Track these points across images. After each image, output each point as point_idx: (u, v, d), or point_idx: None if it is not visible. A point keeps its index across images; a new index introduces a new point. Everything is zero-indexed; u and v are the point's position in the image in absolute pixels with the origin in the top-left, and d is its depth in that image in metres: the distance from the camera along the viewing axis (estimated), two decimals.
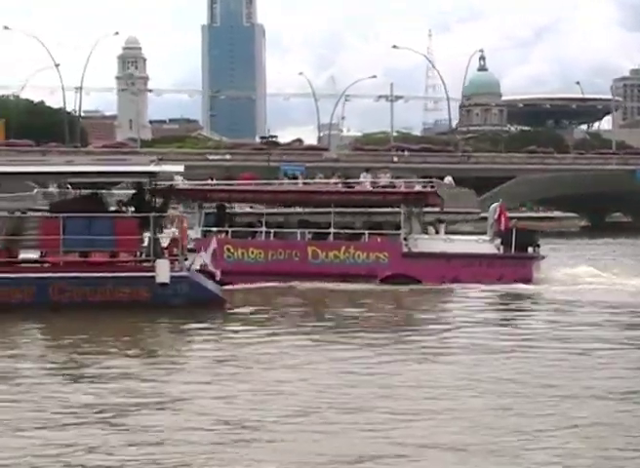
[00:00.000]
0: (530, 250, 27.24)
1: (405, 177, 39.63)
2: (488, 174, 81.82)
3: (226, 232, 27.54)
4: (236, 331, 18.13)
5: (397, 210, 27.84)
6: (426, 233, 28.17)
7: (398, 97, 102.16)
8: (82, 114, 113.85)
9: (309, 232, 27.63)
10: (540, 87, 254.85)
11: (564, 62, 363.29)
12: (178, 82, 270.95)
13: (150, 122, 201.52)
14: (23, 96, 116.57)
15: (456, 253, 26.68)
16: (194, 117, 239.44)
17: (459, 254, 26.65)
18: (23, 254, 21.78)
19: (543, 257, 27.97)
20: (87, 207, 21.45)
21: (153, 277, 20.46)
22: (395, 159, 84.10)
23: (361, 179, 34.98)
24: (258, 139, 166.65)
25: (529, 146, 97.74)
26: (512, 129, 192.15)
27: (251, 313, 21.18)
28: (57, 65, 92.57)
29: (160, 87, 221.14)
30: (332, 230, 27.52)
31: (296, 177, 45.70)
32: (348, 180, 37.36)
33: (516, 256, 26.81)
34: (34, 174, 21.57)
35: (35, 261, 21.16)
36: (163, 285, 20.46)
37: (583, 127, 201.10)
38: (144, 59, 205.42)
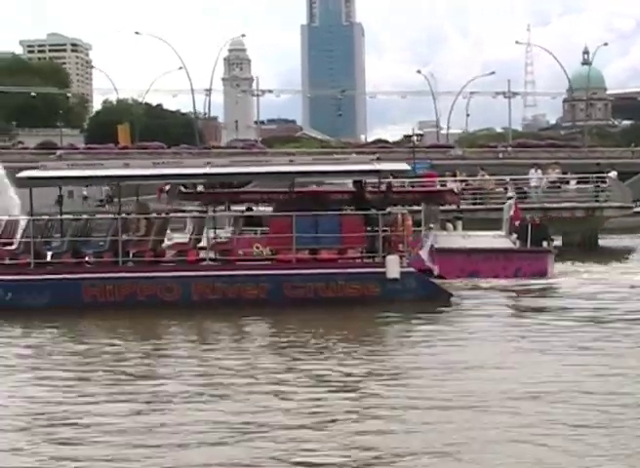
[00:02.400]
0: (544, 244, 27.78)
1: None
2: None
3: None
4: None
5: (418, 208, 28.26)
6: (444, 230, 28.72)
7: (515, 94, 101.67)
8: (200, 116, 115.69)
9: None
10: None
11: None
12: (279, 82, 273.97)
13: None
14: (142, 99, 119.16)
15: (475, 248, 27.10)
16: (292, 117, 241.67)
17: (478, 250, 27.05)
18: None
19: (557, 251, 28.42)
20: (311, 205, 22.19)
21: (384, 273, 21.07)
22: (500, 155, 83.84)
23: (530, 175, 35.32)
24: (362, 138, 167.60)
25: None
26: (617, 123, 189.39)
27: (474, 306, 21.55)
28: (180, 68, 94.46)
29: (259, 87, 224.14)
30: None
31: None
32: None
33: (532, 251, 27.39)
34: (262, 174, 22.33)
35: (267, 259, 21.91)
36: (393, 280, 21.07)
37: None
38: (249, 61, 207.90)
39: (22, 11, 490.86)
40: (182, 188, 27.89)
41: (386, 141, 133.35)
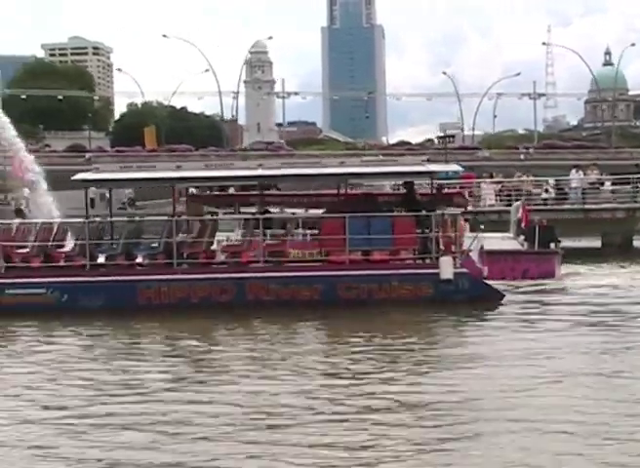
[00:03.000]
0: (552, 245, 27.80)
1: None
2: None
3: None
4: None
5: None
6: None
7: (541, 95, 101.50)
8: (226, 119, 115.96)
9: None
10: None
11: None
12: (298, 84, 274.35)
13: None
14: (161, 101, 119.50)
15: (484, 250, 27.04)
16: (311, 119, 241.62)
17: (486, 251, 26.95)
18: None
19: (563, 253, 28.37)
20: (362, 207, 22.27)
21: (437, 273, 21.15)
22: (522, 157, 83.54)
23: (571, 177, 35.30)
24: (384, 140, 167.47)
25: None
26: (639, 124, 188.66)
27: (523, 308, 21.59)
28: (206, 71, 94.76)
29: (279, 89, 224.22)
30: None
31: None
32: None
33: (540, 252, 27.44)
34: (315, 176, 22.42)
35: (319, 261, 22.00)
36: (446, 281, 21.14)
37: None
38: (271, 63, 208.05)
39: (44, 14, 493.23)
40: (194, 191, 27.80)
41: (409, 143, 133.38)
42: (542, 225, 28.78)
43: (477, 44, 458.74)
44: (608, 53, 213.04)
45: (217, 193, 29.23)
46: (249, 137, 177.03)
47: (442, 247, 21.78)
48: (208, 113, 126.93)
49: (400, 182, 25.49)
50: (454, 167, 24.79)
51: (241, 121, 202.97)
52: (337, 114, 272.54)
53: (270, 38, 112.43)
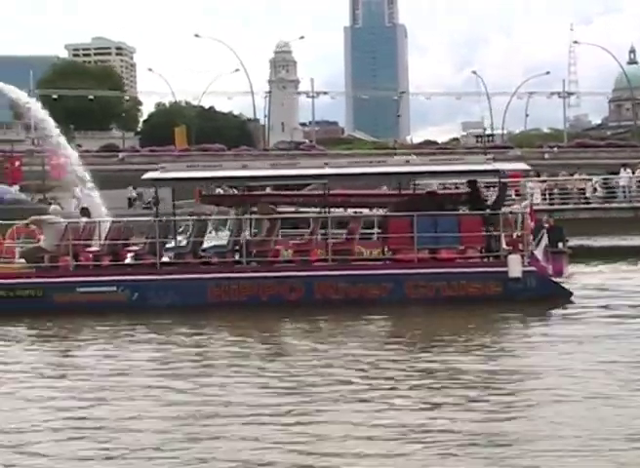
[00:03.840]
0: (560, 245, 27.72)
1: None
2: None
3: None
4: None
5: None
6: None
7: (570, 94, 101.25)
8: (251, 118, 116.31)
9: None
10: None
11: None
12: (320, 83, 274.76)
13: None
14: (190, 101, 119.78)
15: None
16: (333, 119, 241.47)
17: None
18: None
19: (571, 252, 28.44)
20: (427, 206, 22.36)
21: (505, 272, 21.22)
22: (546, 156, 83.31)
23: (622, 175, 35.27)
24: (408, 139, 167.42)
25: None
26: None
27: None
28: (236, 70, 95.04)
29: (303, 89, 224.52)
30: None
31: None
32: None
33: (550, 252, 27.25)
34: (383, 174, 22.53)
35: (386, 259, 22.10)
36: (515, 279, 21.21)
37: None
38: (295, 63, 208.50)
39: (67, 14, 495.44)
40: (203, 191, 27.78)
41: (436, 143, 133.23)
42: (550, 225, 28.88)
43: (499, 43, 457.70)
44: (632, 51, 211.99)
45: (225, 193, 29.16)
46: (273, 137, 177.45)
47: (507, 245, 21.92)
48: (235, 113, 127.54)
49: (463, 181, 25.32)
50: (520, 165, 24.79)
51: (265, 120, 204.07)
52: (359, 114, 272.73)
53: (302, 38, 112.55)
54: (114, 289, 21.25)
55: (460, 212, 22.75)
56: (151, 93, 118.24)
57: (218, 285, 21.27)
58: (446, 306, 20.51)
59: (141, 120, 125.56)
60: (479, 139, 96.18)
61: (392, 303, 20.78)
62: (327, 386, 12.97)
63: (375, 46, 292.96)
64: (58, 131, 46.97)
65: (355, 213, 25.96)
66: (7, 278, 21.50)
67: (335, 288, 21.30)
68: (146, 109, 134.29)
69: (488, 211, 22.24)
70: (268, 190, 26.54)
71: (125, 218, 24.48)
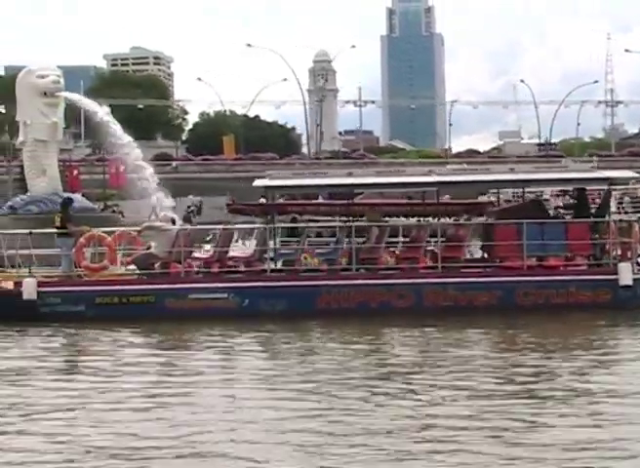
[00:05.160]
0: None
1: None
2: None
3: None
4: None
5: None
6: None
7: (618, 102, 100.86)
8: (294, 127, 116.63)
9: None
10: None
11: None
12: (356, 92, 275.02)
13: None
14: (237, 110, 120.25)
15: None
16: (368, 128, 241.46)
17: None
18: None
19: None
20: (532, 213, 22.40)
21: (616, 280, 21.22)
22: (594, 165, 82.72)
23: None
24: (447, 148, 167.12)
25: None
26: None
27: None
28: (284, 80, 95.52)
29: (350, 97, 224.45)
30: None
31: None
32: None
33: None
34: (501, 182, 22.61)
35: (493, 267, 22.15)
36: (625, 287, 21.18)
37: None
38: (334, 72, 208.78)
39: (105, 25, 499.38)
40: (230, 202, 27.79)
41: (478, 151, 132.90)
42: None
43: (534, 51, 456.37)
44: None
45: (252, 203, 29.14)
46: (313, 146, 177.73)
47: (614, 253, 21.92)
48: (280, 122, 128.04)
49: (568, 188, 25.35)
50: (628, 173, 24.77)
51: (303, 129, 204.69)
52: (396, 123, 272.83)
53: (353, 47, 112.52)
54: (225, 295, 21.42)
55: (567, 219, 22.77)
56: (200, 101, 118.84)
57: (328, 292, 21.39)
58: (558, 313, 20.53)
59: (187, 129, 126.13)
60: (541, 148, 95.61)
61: (502, 310, 20.85)
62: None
63: (412, 55, 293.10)
64: (132, 141, 47.28)
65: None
66: (120, 284, 21.74)
67: (444, 295, 21.36)
68: (189, 118, 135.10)
69: (594, 218, 22.26)
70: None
71: (235, 226, 24.65)
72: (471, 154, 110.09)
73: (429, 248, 22.50)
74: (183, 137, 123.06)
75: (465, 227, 22.84)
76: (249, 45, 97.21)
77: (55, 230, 22.72)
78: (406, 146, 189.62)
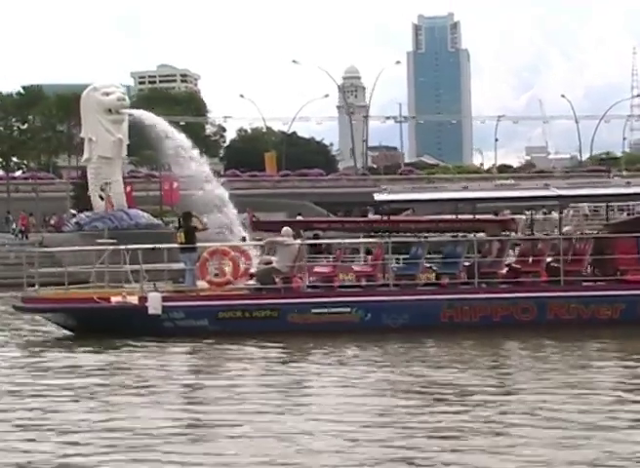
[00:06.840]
0: None
1: None
2: None
3: None
4: None
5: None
6: None
7: None
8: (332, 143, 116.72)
9: None
10: None
11: None
12: (380, 108, 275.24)
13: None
14: (275, 127, 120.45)
15: None
16: (392, 144, 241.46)
17: None
18: None
19: None
20: None
21: None
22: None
23: None
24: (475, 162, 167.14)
25: None
26: None
27: None
28: (326, 96, 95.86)
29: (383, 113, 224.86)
30: None
31: None
32: None
33: None
34: (616, 196, 22.71)
35: (613, 280, 22.17)
36: None
37: None
38: (364, 88, 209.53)
39: (130, 43, 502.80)
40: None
41: (511, 166, 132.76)
42: None
43: (560, 66, 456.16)
44: None
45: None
46: (343, 162, 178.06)
47: None
48: (317, 138, 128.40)
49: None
50: None
51: (335, 145, 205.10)
52: (422, 138, 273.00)
53: (398, 63, 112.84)
54: (348, 309, 21.52)
55: None
56: (241, 118, 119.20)
57: (451, 306, 21.47)
58: None
59: (225, 145, 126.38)
60: (601, 162, 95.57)
61: (623, 324, 20.90)
62: None
63: (438, 70, 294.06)
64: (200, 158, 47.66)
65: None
66: (243, 299, 21.89)
67: (567, 308, 21.41)
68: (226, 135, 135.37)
69: None
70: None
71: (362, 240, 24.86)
72: (503, 169, 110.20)
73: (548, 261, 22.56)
74: (221, 154, 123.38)
75: (586, 241, 22.85)
76: (294, 61, 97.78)
77: (178, 245, 22.90)
78: (437, 162, 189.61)
